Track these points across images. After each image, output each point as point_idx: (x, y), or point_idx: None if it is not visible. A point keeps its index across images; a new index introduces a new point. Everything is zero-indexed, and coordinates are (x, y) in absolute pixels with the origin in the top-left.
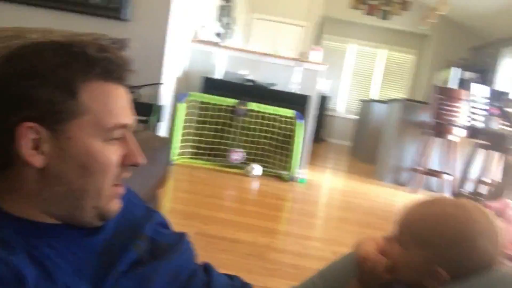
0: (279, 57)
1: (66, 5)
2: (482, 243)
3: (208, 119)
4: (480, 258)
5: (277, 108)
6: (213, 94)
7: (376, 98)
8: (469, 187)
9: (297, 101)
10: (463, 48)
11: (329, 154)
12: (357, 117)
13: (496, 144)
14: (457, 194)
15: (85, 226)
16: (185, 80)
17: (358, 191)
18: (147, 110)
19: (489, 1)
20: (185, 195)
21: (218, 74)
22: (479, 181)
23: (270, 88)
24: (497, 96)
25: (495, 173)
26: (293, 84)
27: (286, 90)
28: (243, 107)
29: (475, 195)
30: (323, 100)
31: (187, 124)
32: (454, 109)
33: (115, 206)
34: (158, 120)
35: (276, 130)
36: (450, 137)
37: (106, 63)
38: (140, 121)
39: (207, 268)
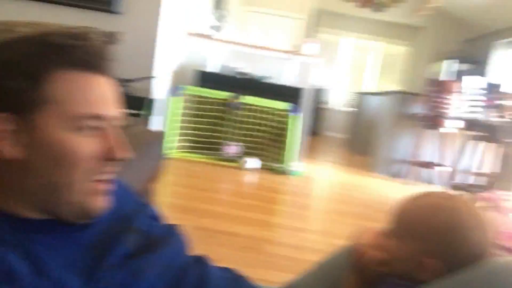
0: (274, 50)
1: None
2: (473, 235)
3: (203, 113)
4: (472, 249)
5: (271, 101)
6: (207, 88)
7: (371, 90)
8: (463, 179)
9: (291, 94)
10: (457, 40)
11: (325, 147)
12: (352, 109)
13: (491, 136)
14: (451, 185)
15: (71, 222)
16: (180, 74)
17: (354, 183)
18: (138, 104)
19: None
20: (181, 189)
21: (212, 68)
22: (473, 173)
23: (264, 81)
24: (491, 88)
25: (490, 165)
26: (287, 77)
27: (281, 83)
28: (237, 101)
29: (469, 187)
30: (318, 93)
31: (183, 118)
32: (446, 101)
33: (97, 203)
34: (150, 113)
35: (270, 123)
36: (442, 129)
37: (77, 52)
38: (132, 115)
39: (200, 260)
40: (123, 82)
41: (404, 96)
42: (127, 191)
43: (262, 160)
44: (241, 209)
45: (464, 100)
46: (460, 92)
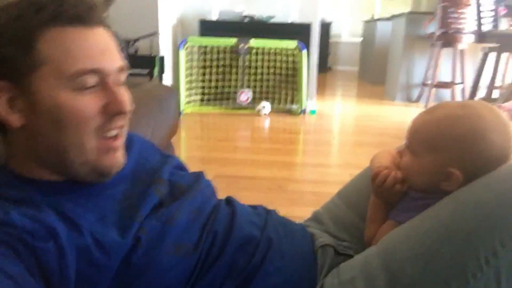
0: None
1: None
2: (491, 137)
3: (210, 63)
4: (491, 153)
5: (278, 41)
6: (211, 36)
7: (381, 16)
8: (481, 94)
9: (298, 31)
10: None
11: (337, 82)
12: (361, 38)
13: (506, 45)
14: None
15: (90, 183)
16: (183, 26)
17: (370, 113)
18: (148, 63)
19: None
20: (199, 142)
21: (214, 15)
22: (492, 87)
23: (269, 22)
24: None
25: (507, 76)
26: (293, 13)
27: (286, 21)
28: (243, 46)
29: (488, 101)
30: (326, 26)
31: (190, 71)
32: (461, 15)
33: (112, 160)
34: (161, 71)
35: (280, 64)
36: (459, 45)
37: (65, 7)
38: (143, 75)
39: (229, 200)
40: (129, 42)
41: (416, 17)
42: (150, 145)
43: (275, 102)
44: (260, 153)
45: (481, 11)
46: (476, 3)
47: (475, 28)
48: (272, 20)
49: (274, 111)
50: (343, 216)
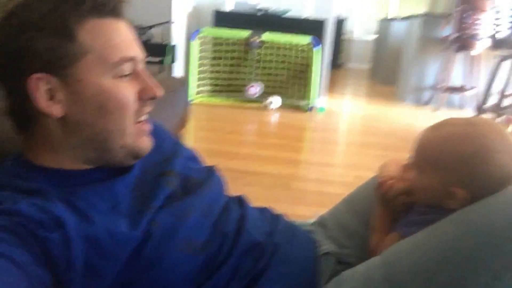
0: None
1: None
2: (497, 158)
3: (222, 55)
4: (497, 174)
5: (292, 36)
6: (225, 28)
7: (396, 16)
8: (496, 102)
9: (312, 27)
10: None
11: (348, 80)
12: (375, 36)
13: None
14: (480, 109)
15: (119, 165)
16: (196, 16)
17: (379, 114)
18: (160, 51)
19: None
20: (206, 134)
21: (229, 6)
22: (503, 94)
23: (284, 16)
24: None
25: None
26: (308, 8)
27: (301, 16)
28: (256, 39)
29: (499, 109)
30: (340, 23)
31: (202, 61)
32: (478, 21)
33: (145, 143)
34: (173, 60)
35: (292, 59)
36: (473, 51)
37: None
38: (154, 63)
39: (241, 201)
40: (143, 29)
41: (432, 19)
42: (163, 131)
43: (284, 98)
44: (267, 149)
45: (498, 18)
46: (493, 9)
47: (490, 34)
48: (287, 15)
49: (282, 106)
50: (348, 223)
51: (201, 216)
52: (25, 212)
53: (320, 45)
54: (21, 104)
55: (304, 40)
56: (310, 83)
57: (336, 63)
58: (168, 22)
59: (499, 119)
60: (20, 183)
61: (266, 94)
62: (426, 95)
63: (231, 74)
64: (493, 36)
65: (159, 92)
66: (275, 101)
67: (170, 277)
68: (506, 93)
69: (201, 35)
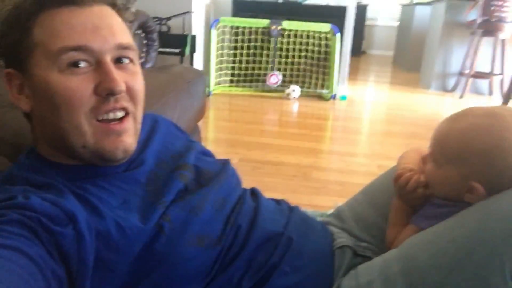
0: None
1: None
2: None
3: (242, 44)
4: None
5: (312, 23)
6: (244, 17)
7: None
8: None
9: (333, 14)
10: None
11: (370, 67)
12: (398, 23)
13: None
14: (507, 95)
15: (101, 165)
16: (215, 6)
17: (402, 102)
18: (179, 42)
19: None
20: (226, 124)
21: None
22: None
23: (304, 3)
24: None
25: None
26: None
27: (321, 3)
28: (276, 27)
29: None
30: (362, 9)
31: (221, 51)
32: (505, 3)
33: (114, 144)
34: (192, 51)
35: (312, 47)
36: (501, 35)
37: None
38: (174, 53)
39: (254, 193)
40: (161, 20)
41: (457, 3)
42: (176, 127)
43: (306, 87)
44: (287, 139)
45: None
46: None
47: None
48: (307, 2)
49: (303, 95)
50: (366, 216)
51: (214, 210)
52: (38, 207)
53: (341, 32)
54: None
55: (324, 27)
56: (331, 71)
57: (359, 50)
58: (187, 13)
59: None
60: (32, 176)
61: (286, 83)
62: (451, 81)
63: (251, 64)
64: None
65: (118, 86)
66: (296, 90)
67: (182, 272)
68: None
69: (220, 24)
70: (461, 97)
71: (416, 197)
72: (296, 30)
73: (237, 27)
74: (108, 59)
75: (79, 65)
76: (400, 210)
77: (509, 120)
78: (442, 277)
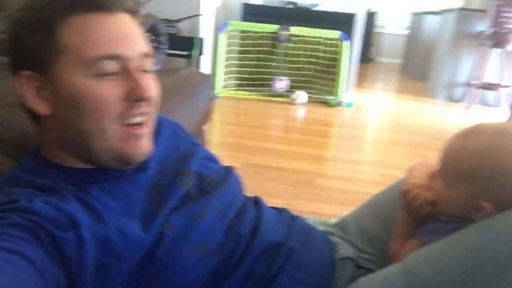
0: None
1: None
2: None
3: (249, 48)
4: None
5: (321, 30)
6: (253, 21)
7: (429, 9)
8: None
9: (342, 21)
10: None
11: (378, 74)
12: (407, 31)
13: None
14: None
15: (115, 169)
16: (224, 9)
17: (409, 111)
18: (188, 44)
19: None
20: (231, 127)
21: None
22: None
23: (313, 9)
24: None
25: None
26: (338, 1)
27: (330, 10)
28: (285, 33)
29: None
30: (371, 16)
31: (229, 55)
32: None
33: (135, 148)
34: (200, 53)
35: (320, 53)
36: (510, 47)
37: None
38: (182, 56)
39: (257, 202)
40: (170, 23)
41: (467, 13)
42: (182, 130)
43: (312, 93)
44: (291, 144)
45: None
46: None
47: None
48: (316, 8)
49: (309, 101)
50: (369, 228)
51: (216, 218)
52: (40, 210)
53: (350, 40)
54: (25, 101)
55: (333, 34)
56: (339, 77)
57: (367, 57)
58: (196, 16)
59: None
60: (36, 179)
61: (293, 88)
62: (459, 92)
63: (258, 68)
64: None
65: (149, 93)
66: (302, 95)
67: (182, 280)
68: None
69: (229, 28)
70: (468, 108)
71: (423, 214)
72: (304, 36)
73: (246, 31)
74: (136, 66)
75: (108, 71)
76: (405, 223)
77: None
78: None
